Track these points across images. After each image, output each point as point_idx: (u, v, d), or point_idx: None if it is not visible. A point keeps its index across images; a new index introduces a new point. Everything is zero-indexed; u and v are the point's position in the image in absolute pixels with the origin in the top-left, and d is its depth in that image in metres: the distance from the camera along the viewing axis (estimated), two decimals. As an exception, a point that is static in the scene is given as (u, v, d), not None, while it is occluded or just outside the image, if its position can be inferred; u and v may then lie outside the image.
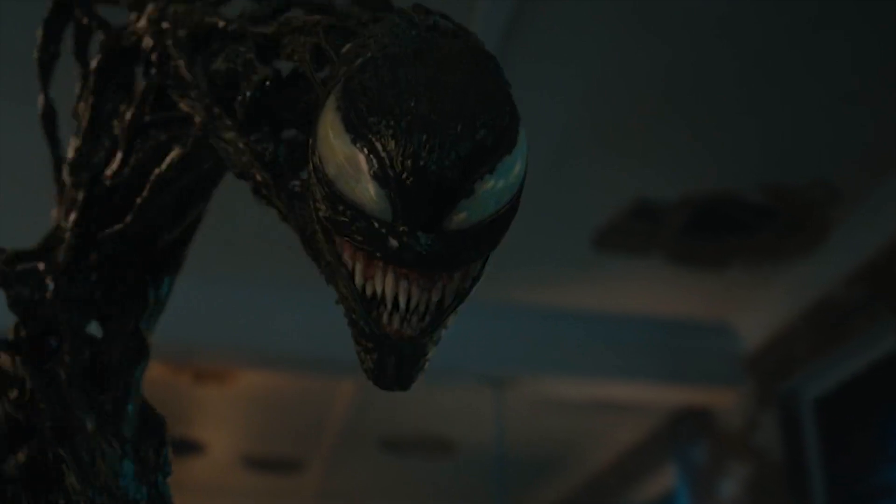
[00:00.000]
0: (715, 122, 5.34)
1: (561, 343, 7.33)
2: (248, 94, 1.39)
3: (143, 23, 1.63)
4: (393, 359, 1.16)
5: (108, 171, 1.61)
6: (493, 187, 1.10)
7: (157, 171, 1.56)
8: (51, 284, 1.60)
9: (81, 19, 1.74)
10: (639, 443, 9.34)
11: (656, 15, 4.59)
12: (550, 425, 9.20)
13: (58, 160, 1.72)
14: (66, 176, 1.67)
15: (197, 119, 1.46)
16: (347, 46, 1.22)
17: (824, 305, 6.69)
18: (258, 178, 1.35)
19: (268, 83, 1.39)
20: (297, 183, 1.31)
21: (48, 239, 1.65)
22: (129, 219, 1.60)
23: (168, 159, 1.56)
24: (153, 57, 1.59)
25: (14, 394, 1.56)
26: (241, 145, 1.37)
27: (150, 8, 1.63)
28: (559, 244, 6.49)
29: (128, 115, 1.60)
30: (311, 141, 1.18)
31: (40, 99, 1.75)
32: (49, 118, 1.75)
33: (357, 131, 1.09)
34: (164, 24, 1.57)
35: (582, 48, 4.80)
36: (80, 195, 1.63)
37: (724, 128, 5.40)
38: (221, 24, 1.49)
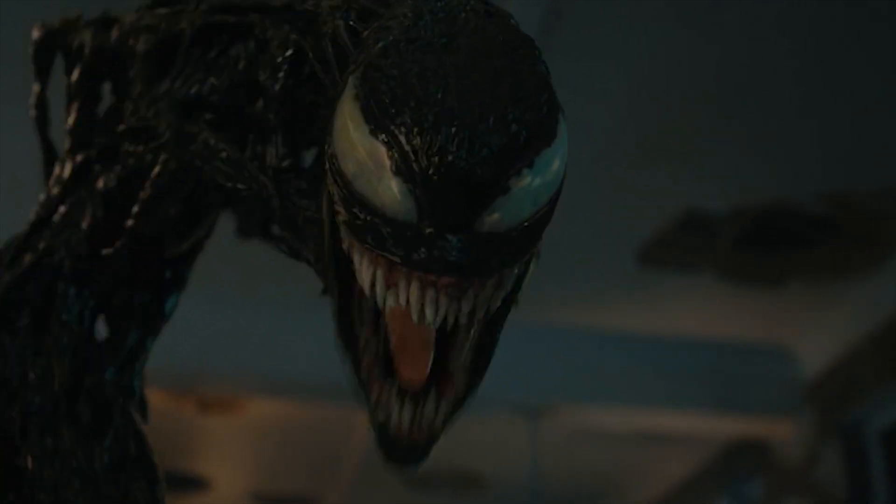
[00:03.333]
0: (771, 125, 5.33)
1: (602, 368, 7.32)
2: (277, 88, 1.38)
3: (122, 27, 1.64)
4: (402, 450, 1.22)
5: (98, 187, 1.61)
6: (530, 185, 1.08)
7: (148, 181, 1.56)
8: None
9: (72, 45, 1.75)
10: (688, 478, 9.32)
11: (707, 8, 4.59)
12: (590, 459, 9.19)
13: (50, 165, 1.73)
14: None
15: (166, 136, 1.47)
16: (369, 29, 1.21)
17: (892, 327, 6.66)
18: (261, 188, 1.35)
19: (294, 78, 1.38)
20: (311, 208, 1.30)
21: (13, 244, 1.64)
22: (129, 223, 1.58)
23: (158, 167, 1.55)
24: (122, 72, 1.61)
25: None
26: (242, 161, 1.37)
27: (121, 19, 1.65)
28: (600, 260, 6.49)
29: (116, 121, 1.61)
30: (327, 135, 1.18)
31: (31, 102, 1.77)
32: (42, 121, 1.77)
33: (378, 123, 1.09)
34: (132, 41, 1.59)
35: (624, 45, 4.80)
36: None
37: (781, 132, 5.39)
38: (225, 19, 1.49)
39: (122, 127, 1.58)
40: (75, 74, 1.69)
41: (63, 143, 1.71)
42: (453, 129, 1.05)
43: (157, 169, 1.54)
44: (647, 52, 4.83)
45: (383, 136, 1.08)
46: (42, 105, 1.77)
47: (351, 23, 1.28)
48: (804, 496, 7.61)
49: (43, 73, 1.77)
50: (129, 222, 1.58)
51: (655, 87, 5.05)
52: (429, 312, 1.11)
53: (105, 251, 1.60)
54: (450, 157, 1.04)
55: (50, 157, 1.74)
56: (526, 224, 1.10)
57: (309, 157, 1.41)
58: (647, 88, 5.05)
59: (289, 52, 1.39)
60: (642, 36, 4.75)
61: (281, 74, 1.39)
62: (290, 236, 1.34)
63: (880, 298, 6.67)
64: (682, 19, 4.65)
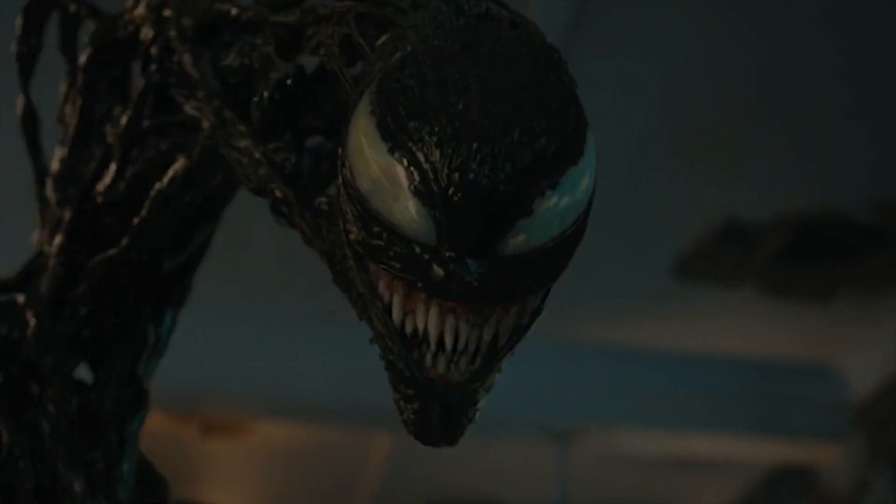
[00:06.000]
0: (817, 128, 5.33)
1: (636, 389, 7.33)
2: (265, 94, 1.38)
3: (140, 9, 1.62)
4: (438, 408, 1.15)
5: (100, 186, 1.60)
6: (556, 205, 1.09)
7: (157, 185, 1.55)
8: (32, 320, 1.59)
9: (68, 6, 1.73)
10: (728, 507, 9.33)
11: (748, 1, 4.58)
12: (622, 486, 9.19)
13: (40, 173, 1.71)
14: (50, 192, 1.66)
15: (205, 124, 1.45)
16: (384, 38, 1.21)
17: (947, 345, 6.66)
18: (278, 194, 1.34)
19: (289, 82, 1.39)
20: (323, 200, 1.29)
21: (29, 266, 1.64)
22: (124, 242, 1.59)
23: (171, 172, 1.55)
24: (153, 50, 1.58)
25: None
26: (257, 155, 1.36)
27: None
28: (634, 272, 6.49)
29: (123, 120, 1.59)
30: (340, 151, 1.17)
31: (19, 100, 1.75)
32: (30, 123, 1.74)
33: (395, 139, 1.08)
34: (167, 12, 1.56)
35: (660, 41, 4.80)
36: (67, 214, 1.62)
37: (828, 135, 5.38)
38: (234, 11, 1.48)
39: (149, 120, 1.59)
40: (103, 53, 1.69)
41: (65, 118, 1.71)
42: (475, 145, 1.05)
43: (177, 163, 1.55)
44: (685, 47, 4.83)
45: (400, 152, 1.08)
46: (28, 106, 1.75)
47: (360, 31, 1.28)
48: (853, 526, 7.61)
49: (33, 32, 1.75)
50: (126, 237, 1.58)
51: (692, 86, 5.05)
52: (448, 341, 1.12)
53: (90, 261, 1.60)
54: (471, 175, 1.04)
55: (31, 114, 1.74)
56: (552, 246, 1.10)
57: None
58: (685, 87, 5.05)
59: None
60: (680, 30, 4.75)
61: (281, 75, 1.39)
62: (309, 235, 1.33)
63: (934, 313, 6.67)
64: (721, 13, 4.65)
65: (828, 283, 6.55)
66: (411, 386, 1.15)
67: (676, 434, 7.61)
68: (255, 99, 1.39)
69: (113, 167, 1.59)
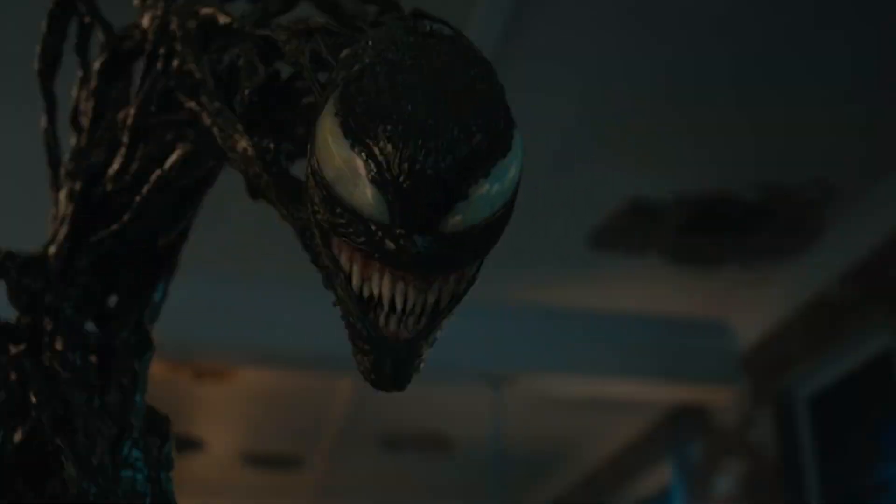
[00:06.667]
0: (713, 121, 5.33)
1: (559, 341, 7.33)
2: (247, 93, 1.40)
3: (147, 21, 1.63)
4: (389, 361, 1.17)
5: (110, 174, 1.61)
6: (488, 191, 1.10)
7: (158, 171, 1.57)
8: (51, 281, 1.60)
9: (84, 17, 1.73)
10: (636, 440, 9.35)
11: (655, 14, 4.59)
12: (548, 423, 9.21)
13: (55, 160, 1.71)
14: (63, 178, 1.67)
15: (205, 120, 1.47)
16: (346, 52, 1.23)
17: (819, 304, 6.69)
18: (261, 179, 1.36)
19: (267, 84, 1.40)
20: (297, 184, 1.31)
21: (48, 244, 1.65)
22: (126, 218, 1.60)
23: (171, 160, 1.57)
24: (160, 56, 1.59)
25: (14, 376, 1.56)
26: (246, 146, 1.38)
27: (157, 5, 1.63)
28: (557, 243, 6.49)
29: (130, 119, 1.60)
30: (309, 145, 1.19)
31: (41, 97, 1.74)
32: (51, 115, 1.74)
33: (355, 136, 1.10)
34: (173, 22, 1.57)
35: (581, 48, 4.80)
36: (78, 197, 1.63)
37: (721, 127, 5.39)
38: (225, 20, 1.50)
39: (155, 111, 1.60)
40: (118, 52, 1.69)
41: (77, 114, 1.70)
42: (421, 141, 1.07)
43: (176, 153, 1.56)
44: (601, 53, 4.83)
45: (359, 147, 1.10)
46: (50, 99, 1.75)
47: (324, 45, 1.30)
48: (740, 457, 7.64)
49: (56, 34, 1.75)
50: (128, 214, 1.59)
51: (608, 85, 5.05)
52: (398, 304, 1.14)
53: (97, 235, 1.61)
54: (418, 166, 1.06)
55: (52, 110, 1.74)
56: (485, 225, 1.12)
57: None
58: (600, 87, 5.06)
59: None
60: (597, 39, 4.75)
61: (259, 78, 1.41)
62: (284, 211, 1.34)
63: (808, 279, 6.70)
64: (634, 25, 4.66)
65: (720, 252, 6.57)
66: (367, 342, 1.17)
67: (593, 379, 7.62)
68: (238, 97, 1.40)
69: (121, 160, 1.60)
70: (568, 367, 7.46)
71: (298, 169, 1.32)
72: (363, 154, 1.09)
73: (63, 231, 1.63)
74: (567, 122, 5.30)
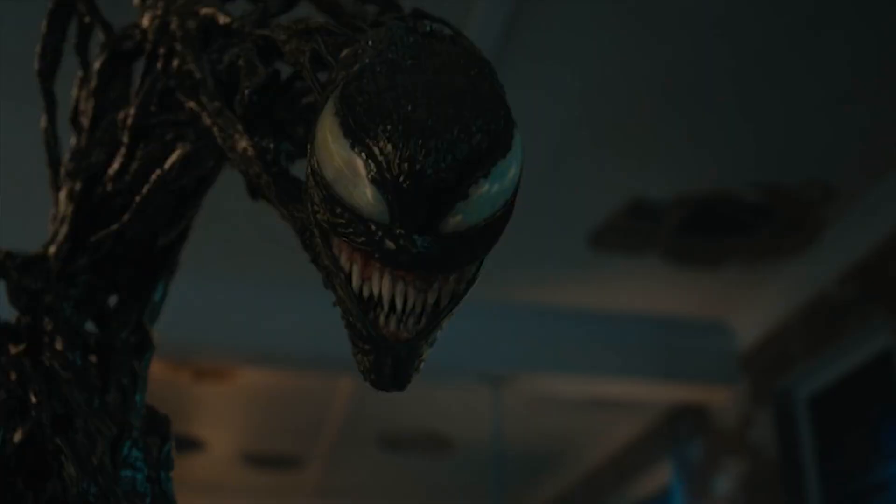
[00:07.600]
0: (712, 122, 5.33)
1: (558, 341, 7.33)
2: (247, 93, 1.39)
3: (147, 21, 1.63)
4: (389, 360, 1.17)
5: (110, 174, 1.61)
6: (488, 191, 1.10)
7: (158, 171, 1.56)
8: (51, 281, 1.59)
9: (83, 17, 1.73)
10: (635, 440, 9.35)
11: (655, 15, 4.59)
12: (548, 422, 9.21)
13: (55, 160, 1.71)
14: (63, 178, 1.66)
15: (205, 119, 1.46)
16: (346, 52, 1.23)
17: (819, 304, 6.69)
18: (262, 179, 1.35)
19: (268, 84, 1.39)
20: (297, 184, 1.31)
21: (48, 244, 1.65)
22: (126, 218, 1.59)
23: (171, 160, 1.56)
24: (160, 56, 1.59)
25: (14, 376, 1.55)
26: (246, 146, 1.37)
27: (157, 5, 1.62)
28: (557, 243, 6.49)
29: (130, 119, 1.60)
30: (309, 145, 1.18)
31: (41, 97, 1.74)
32: (51, 114, 1.74)
33: (355, 136, 1.10)
34: (173, 22, 1.57)
35: (580, 48, 4.79)
36: (79, 197, 1.62)
37: (721, 128, 5.39)
38: (225, 20, 1.49)
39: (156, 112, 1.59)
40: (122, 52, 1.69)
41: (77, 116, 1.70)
42: (421, 141, 1.06)
43: (176, 153, 1.55)
44: (601, 53, 4.83)
45: (359, 147, 1.09)
46: (50, 99, 1.75)
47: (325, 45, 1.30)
48: (739, 456, 7.63)
49: (55, 34, 1.75)
50: (128, 213, 1.58)
51: (608, 85, 5.04)
52: (398, 304, 1.13)
53: (97, 235, 1.60)
54: (418, 166, 1.06)
55: (52, 110, 1.74)
56: (485, 225, 1.12)
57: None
58: (600, 87, 5.05)
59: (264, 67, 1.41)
60: (597, 39, 4.75)
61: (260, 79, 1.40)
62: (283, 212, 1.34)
63: (807, 279, 6.70)
64: (634, 25, 4.65)
65: (720, 253, 6.57)
66: (367, 342, 1.17)
67: (592, 379, 7.61)
68: (239, 97, 1.40)
69: (121, 159, 1.60)
70: (567, 367, 7.45)
71: (298, 169, 1.32)
72: (363, 154, 1.09)
73: (63, 231, 1.62)
74: (567, 123, 5.29)
